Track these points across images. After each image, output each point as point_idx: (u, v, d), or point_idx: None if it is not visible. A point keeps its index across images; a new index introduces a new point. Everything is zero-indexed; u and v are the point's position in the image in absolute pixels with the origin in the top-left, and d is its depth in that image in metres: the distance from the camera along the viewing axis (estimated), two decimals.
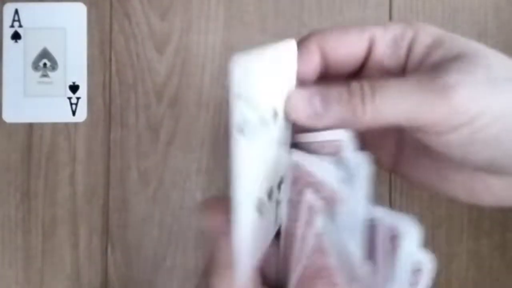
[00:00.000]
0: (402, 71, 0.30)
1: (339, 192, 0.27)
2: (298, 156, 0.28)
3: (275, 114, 0.27)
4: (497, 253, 0.45)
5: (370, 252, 0.27)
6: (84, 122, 0.46)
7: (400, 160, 0.33)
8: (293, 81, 0.29)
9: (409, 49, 0.30)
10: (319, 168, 0.27)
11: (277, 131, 0.28)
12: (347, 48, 0.31)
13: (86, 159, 0.46)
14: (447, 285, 0.45)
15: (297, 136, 0.29)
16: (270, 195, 0.27)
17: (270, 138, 0.27)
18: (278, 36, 0.46)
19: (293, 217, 0.28)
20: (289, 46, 0.29)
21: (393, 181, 0.45)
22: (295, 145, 0.29)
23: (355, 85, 0.28)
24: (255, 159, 0.25)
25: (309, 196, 0.27)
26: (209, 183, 0.46)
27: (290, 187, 0.28)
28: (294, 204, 0.28)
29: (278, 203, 0.29)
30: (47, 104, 0.46)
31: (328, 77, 0.31)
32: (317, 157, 0.28)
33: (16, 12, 0.46)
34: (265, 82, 0.26)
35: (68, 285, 0.45)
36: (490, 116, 0.26)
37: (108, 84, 0.46)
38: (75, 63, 0.46)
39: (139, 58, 0.46)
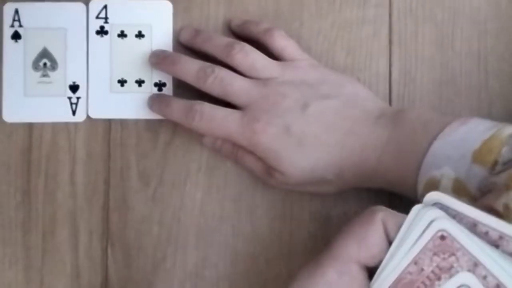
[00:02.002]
0: None
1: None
2: (452, 225, 0.31)
3: (140, 35, 0.46)
4: None
5: None
6: (84, 122, 0.46)
7: None
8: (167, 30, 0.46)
9: None
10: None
11: (140, 46, 0.46)
12: None
13: (86, 159, 0.46)
14: None
15: (463, 206, 0.32)
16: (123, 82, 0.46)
17: (129, 45, 0.46)
18: None
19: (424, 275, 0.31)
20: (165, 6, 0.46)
21: None
22: (445, 208, 0.32)
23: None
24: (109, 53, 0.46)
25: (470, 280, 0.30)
26: (209, 183, 0.46)
27: (428, 243, 0.31)
28: (436, 267, 0.31)
29: None
30: (47, 104, 0.46)
31: None
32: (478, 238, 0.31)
33: (16, 12, 0.46)
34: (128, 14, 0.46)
35: (68, 284, 0.45)
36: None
37: None
38: (75, 63, 0.46)
39: None
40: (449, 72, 0.46)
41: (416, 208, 0.32)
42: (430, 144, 0.38)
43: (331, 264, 0.33)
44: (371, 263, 0.33)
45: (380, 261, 0.32)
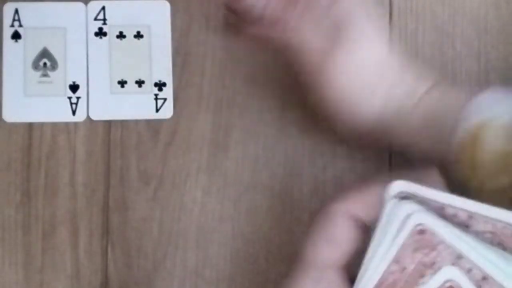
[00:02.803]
0: None
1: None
2: (429, 218, 0.29)
3: (139, 36, 0.46)
4: None
5: None
6: (84, 122, 0.46)
7: None
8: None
9: None
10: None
11: (139, 46, 0.46)
12: None
13: (86, 158, 0.46)
14: None
15: (428, 191, 0.30)
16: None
17: (128, 46, 0.46)
18: None
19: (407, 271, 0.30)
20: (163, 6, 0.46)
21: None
22: (414, 196, 0.30)
23: None
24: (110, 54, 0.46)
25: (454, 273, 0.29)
26: (209, 183, 0.46)
27: (407, 240, 0.29)
28: (418, 262, 0.29)
29: None
30: (47, 104, 0.46)
31: None
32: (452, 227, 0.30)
33: (16, 11, 0.46)
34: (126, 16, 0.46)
35: (68, 284, 0.45)
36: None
37: None
38: (75, 62, 0.46)
39: None
40: (449, 72, 0.47)
41: (389, 203, 0.30)
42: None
43: (306, 274, 0.32)
44: (347, 260, 0.31)
45: (357, 254, 0.31)
